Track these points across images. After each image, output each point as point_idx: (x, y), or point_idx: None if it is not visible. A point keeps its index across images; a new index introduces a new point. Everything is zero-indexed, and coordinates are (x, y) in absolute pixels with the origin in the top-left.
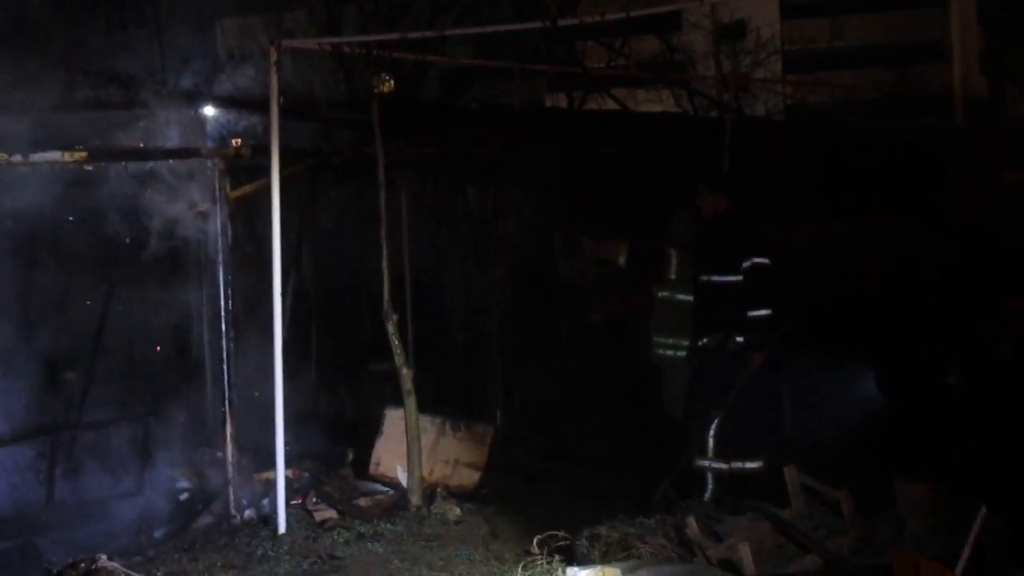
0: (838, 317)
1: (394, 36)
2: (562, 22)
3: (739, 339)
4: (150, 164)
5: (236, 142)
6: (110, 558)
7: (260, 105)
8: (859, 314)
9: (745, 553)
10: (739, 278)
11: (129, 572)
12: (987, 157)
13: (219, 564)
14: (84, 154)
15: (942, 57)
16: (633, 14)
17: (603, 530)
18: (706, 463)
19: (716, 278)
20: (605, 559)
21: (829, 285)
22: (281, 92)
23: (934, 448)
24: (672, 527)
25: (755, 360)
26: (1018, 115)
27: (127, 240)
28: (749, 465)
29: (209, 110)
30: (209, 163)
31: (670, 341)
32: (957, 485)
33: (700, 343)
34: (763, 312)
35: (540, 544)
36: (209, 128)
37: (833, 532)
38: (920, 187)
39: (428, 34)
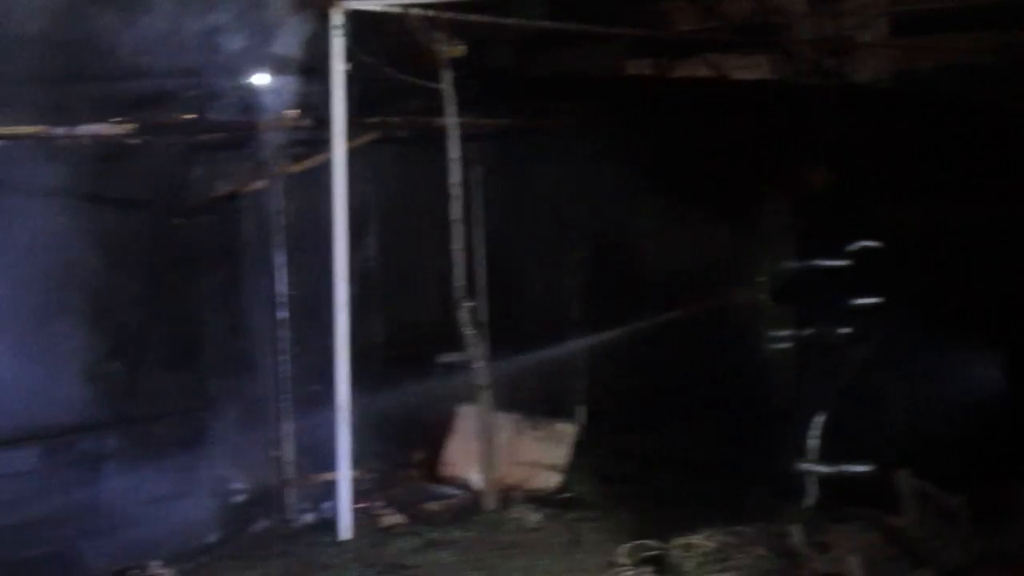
0: (955, 303)
1: None
2: None
3: (845, 330)
4: (200, 138)
5: (279, 114)
6: (162, 565)
7: (320, 73)
8: (981, 299)
9: (854, 565)
10: (846, 263)
11: None
12: None
13: (277, 572)
14: (132, 127)
15: None
16: None
17: (697, 539)
18: (808, 466)
19: (822, 262)
20: (700, 570)
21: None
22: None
23: None
24: (773, 536)
25: (861, 353)
26: None
27: (175, 220)
28: (855, 468)
29: (264, 78)
30: (265, 136)
31: (782, 334)
32: None
33: (803, 334)
34: (871, 300)
35: (627, 553)
36: (264, 98)
37: (950, 543)
38: None
39: None
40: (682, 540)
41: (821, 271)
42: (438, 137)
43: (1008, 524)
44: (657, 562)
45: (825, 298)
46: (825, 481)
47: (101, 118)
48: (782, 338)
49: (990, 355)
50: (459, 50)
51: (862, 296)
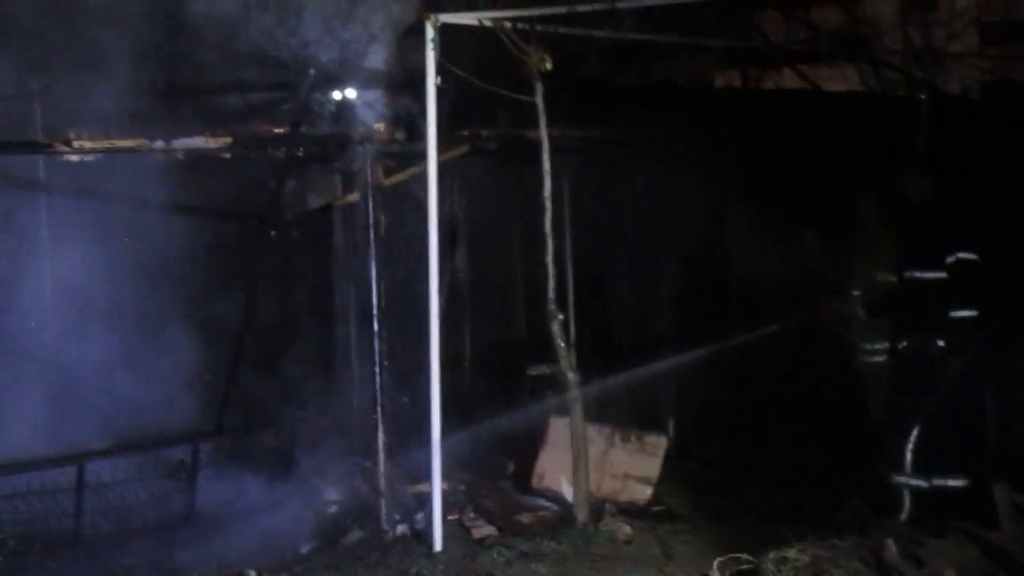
0: None
1: (560, 10)
2: None
3: (940, 342)
4: (294, 151)
5: (379, 126)
6: (259, 574)
7: (411, 86)
8: None
9: None
10: (942, 275)
11: None
12: None
13: None
14: (228, 140)
15: None
16: None
17: (791, 552)
18: (903, 479)
19: (917, 274)
20: None
21: None
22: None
23: None
24: (868, 550)
25: (957, 366)
26: None
27: (271, 233)
28: (952, 482)
29: (357, 92)
30: (359, 149)
31: (876, 346)
32: None
33: (899, 346)
34: (967, 313)
35: (720, 567)
36: (357, 111)
37: None
38: None
39: (598, 6)
40: (775, 554)
41: (917, 283)
42: (527, 149)
43: None
44: None
45: (921, 310)
46: (920, 494)
47: (199, 131)
48: (877, 350)
49: None
50: (548, 62)
51: (958, 308)
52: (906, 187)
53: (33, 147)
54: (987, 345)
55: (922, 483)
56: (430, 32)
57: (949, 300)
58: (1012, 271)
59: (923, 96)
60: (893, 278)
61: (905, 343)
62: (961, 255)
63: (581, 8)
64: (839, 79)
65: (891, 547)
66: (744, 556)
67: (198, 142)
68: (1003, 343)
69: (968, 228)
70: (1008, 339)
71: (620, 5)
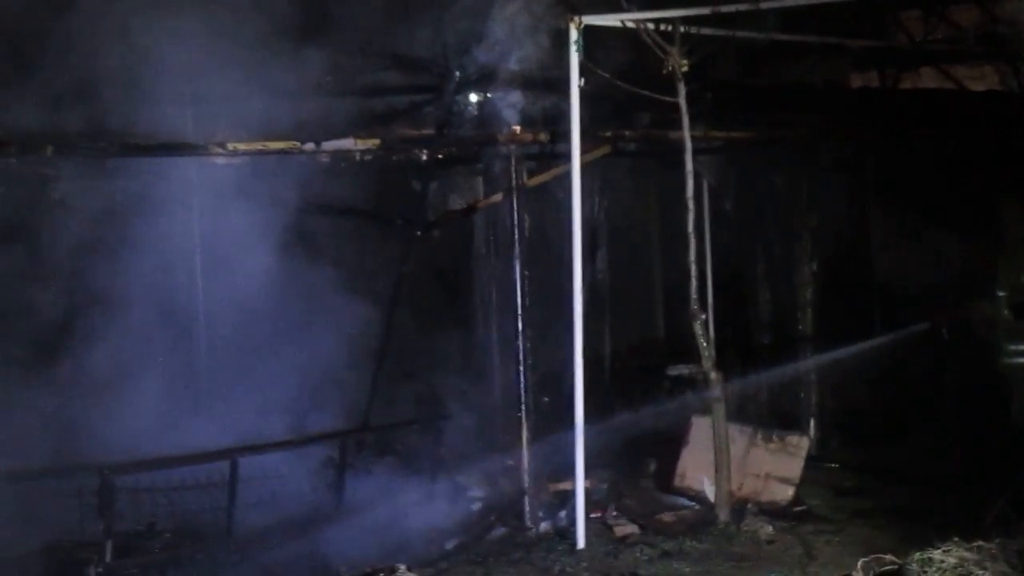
0: None
1: (704, 10)
2: None
3: None
4: (439, 153)
5: (516, 128)
6: (408, 568)
7: (552, 88)
8: None
9: None
10: None
11: None
12: None
13: None
14: (376, 141)
15: None
16: None
17: (936, 554)
18: None
19: None
20: None
21: None
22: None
23: None
24: (1014, 552)
25: None
26: None
27: (416, 234)
28: None
29: (500, 94)
30: (503, 150)
31: (1021, 348)
32: None
33: None
34: None
35: (864, 568)
36: (501, 113)
37: None
38: None
39: (743, 6)
40: (920, 555)
41: None
42: (667, 150)
43: None
44: None
45: None
46: None
47: (348, 133)
48: (1022, 352)
49: None
50: (687, 64)
51: None
52: None
53: (190, 149)
54: None
55: None
56: (573, 34)
57: None
58: None
59: None
60: None
61: None
62: None
63: (725, 9)
64: (979, 79)
65: None
66: (888, 557)
67: (347, 144)
68: None
69: None
70: None
71: (764, 5)
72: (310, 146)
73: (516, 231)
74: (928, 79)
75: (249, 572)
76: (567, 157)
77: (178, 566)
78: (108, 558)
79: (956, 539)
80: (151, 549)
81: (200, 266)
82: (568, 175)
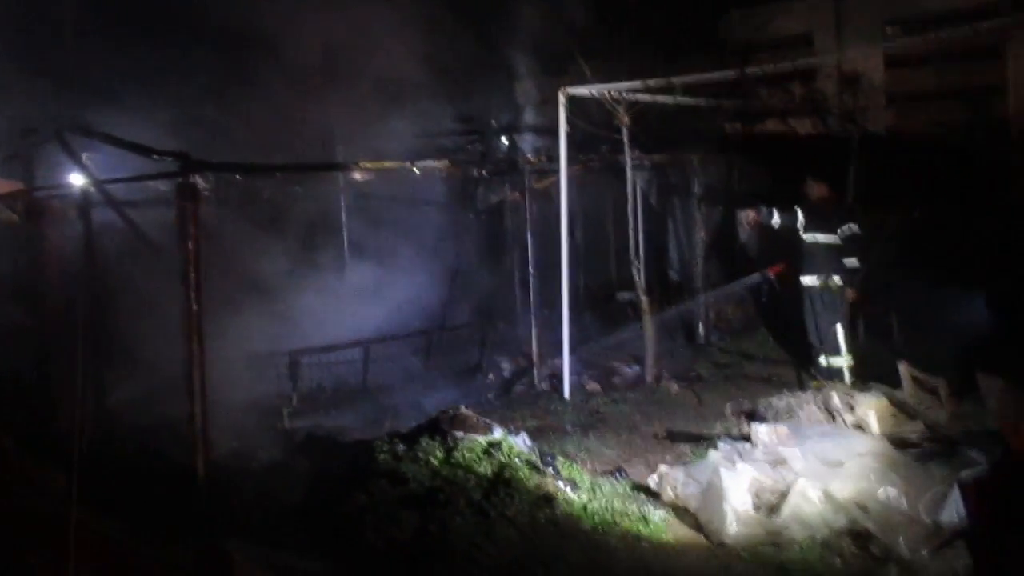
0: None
1: (637, 84)
2: (747, 72)
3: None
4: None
5: (528, 156)
6: (466, 407)
7: (551, 131)
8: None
9: (871, 419)
10: None
11: (479, 416)
12: None
13: (528, 414)
14: (447, 162)
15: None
16: (788, 66)
17: (774, 399)
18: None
19: None
20: (776, 420)
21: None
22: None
23: (1006, 353)
24: (821, 401)
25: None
26: None
27: (471, 216)
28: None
29: (519, 136)
30: (521, 168)
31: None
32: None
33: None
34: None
35: (731, 407)
36: (520, 146)
37: (932, 407)
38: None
39: (661, 83)
40: (764, 400)
41: None
42: (617, 167)
43: (968, 397)
44: (751, 415)
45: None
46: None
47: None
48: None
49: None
50: (630, 117)
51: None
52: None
53: (338, 167)
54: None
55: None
56: (562, 100)
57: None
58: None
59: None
60: None
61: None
62: None
63: (652, 83)
64: (803, 126)
65: (834, 397)
66: (745, 401)
67: (431, 163)
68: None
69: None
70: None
71: (675, 81)
72: (410, 165)
73: (528, 215)
74: (772, 126)
75: (376, 410)
76: (558, 172)
77: (335, 407)
78: (295, 403)
79: (786, 391)
80: (319, 399)
81: (348, 234)
82: (559, 183)
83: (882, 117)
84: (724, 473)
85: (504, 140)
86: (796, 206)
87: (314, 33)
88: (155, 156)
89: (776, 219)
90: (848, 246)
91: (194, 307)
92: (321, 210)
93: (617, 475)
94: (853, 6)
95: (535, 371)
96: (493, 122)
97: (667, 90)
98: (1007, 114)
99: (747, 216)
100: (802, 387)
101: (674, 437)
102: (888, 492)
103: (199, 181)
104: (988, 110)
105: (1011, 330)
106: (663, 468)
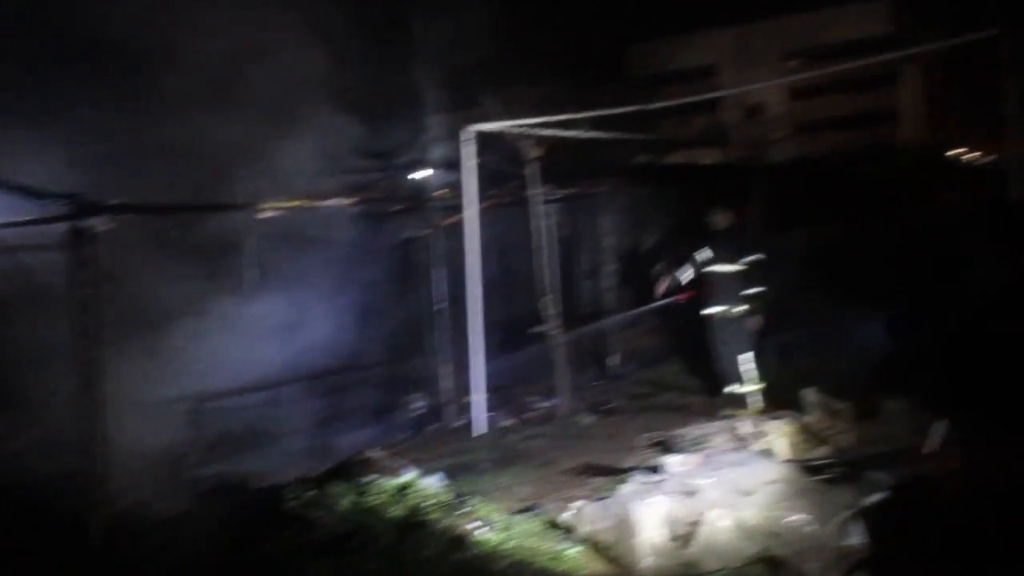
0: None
1: (547, 119)
2: (652, 106)
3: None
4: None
5: (436, 192)
6: (379, 448)
7: (459, 166)
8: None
9: (781, 445)
10: None
11: (391, 457)
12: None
13: (442, 452)
14: (356, 199)
15: (894, 120)
16: (693, 99)
17: (686, 430)
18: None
19: None
20: (689, 450)
21: None
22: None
23: (909, 375)
24: (730, 429)
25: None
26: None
27: (385, 250)
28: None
29: (428, 172)
30: (430, 203)
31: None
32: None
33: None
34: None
35: (646, 440)
36: (427, 182)
37: (839, 432)
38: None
39: (562, 118)
40: (680, 431)
41: None
42: (526, 200)
43: (871, 421)
44: (663, 446)
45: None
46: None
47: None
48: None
49: (879, 316)
50: (538, 152)
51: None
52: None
53: (242, 207)
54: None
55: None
56: (467, 138)
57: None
58: None
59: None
60: None
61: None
62: None
63: (559, 118)
64: (707, 156)
65: (745, 424)
66: (658, 433)
67: (341, 201)
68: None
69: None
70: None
71: (581, 116)
72: (323, 203)
73: (433, 253)
74: (678, 157)
75: (286, 454)
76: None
77: (243, 453)
78: (200, 450)
79: (702, 420)
80: (225, 445)
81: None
82: (467, 219)
83: (784, 145)
84: (636, 506)
85: (414, 175)
86: (703, 245)
87: (215, 58)
88: (42, 199)
89: (688, 273)
90: (753, 272)
91: (91, 354)
92: (227, 246)
93: (532, 512)
94: (754, 40)
95: (449, 408)
96: (402, 157)
97: (575, 124)
98: (898, 139)
99: (659, 283)
100: (714, 416)
101: (589, 471)
102: (798, 518)
103: (94, 224)
104: (882, 136)
105: (911, 352)
106: (577, 503)
